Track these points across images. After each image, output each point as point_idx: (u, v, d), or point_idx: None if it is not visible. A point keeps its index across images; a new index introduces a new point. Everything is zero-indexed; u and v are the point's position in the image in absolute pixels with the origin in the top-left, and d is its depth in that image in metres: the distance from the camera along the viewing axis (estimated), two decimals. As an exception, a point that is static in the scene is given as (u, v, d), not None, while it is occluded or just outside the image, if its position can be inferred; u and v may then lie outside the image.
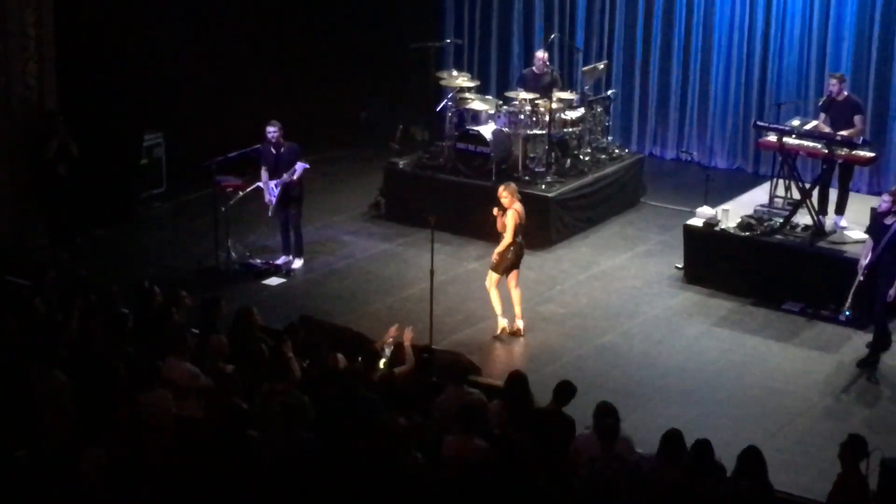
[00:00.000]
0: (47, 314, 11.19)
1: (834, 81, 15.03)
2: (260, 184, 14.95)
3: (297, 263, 15.19)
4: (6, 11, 14.82)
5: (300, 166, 14.75)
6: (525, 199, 15.06)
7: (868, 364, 12.87)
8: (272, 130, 14.68)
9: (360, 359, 10.93)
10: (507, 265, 13.38)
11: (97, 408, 9.73)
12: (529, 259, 14.90)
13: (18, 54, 14.97)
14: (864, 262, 12.87)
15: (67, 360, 10.09)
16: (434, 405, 10.02)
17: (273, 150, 14.76)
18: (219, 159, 14.78)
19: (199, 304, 11.56)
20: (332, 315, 13.52)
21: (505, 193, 13.29)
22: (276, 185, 14.79)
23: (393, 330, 11.55)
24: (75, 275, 12.27)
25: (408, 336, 11.10)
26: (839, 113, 14.93)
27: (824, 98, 15.43)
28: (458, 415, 9.26)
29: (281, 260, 15.11)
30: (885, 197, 13.03)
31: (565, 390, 9.88)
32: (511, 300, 13.51)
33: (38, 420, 9.56)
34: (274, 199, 14.86)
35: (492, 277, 13.42)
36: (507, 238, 13.22)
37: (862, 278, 12.89)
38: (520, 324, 13.49)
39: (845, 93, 15.04)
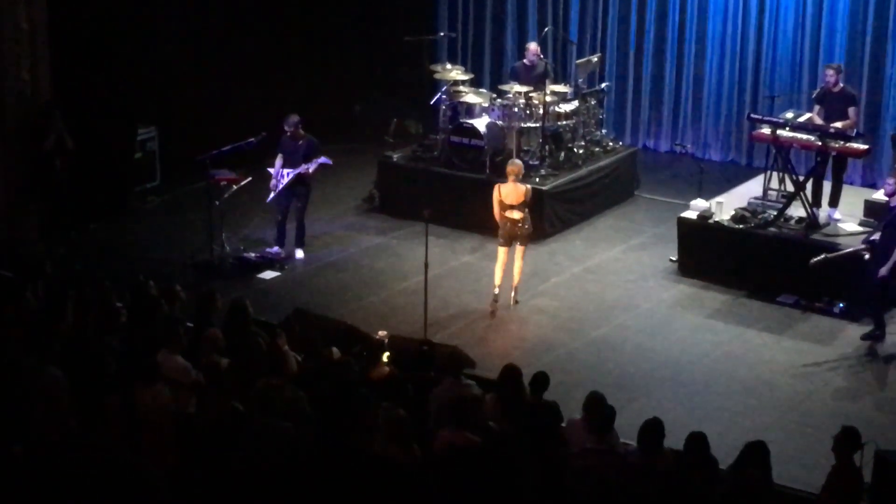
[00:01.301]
0: (42, 308, 11.17)
1: (831, 72, 15.02)
2: (270, 169, 14.97)
3: (300, 254, 15.23)
4: (-1, 7, 14.80)
5: (322, 160, 14.81)
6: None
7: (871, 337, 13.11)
8: (290, 124, 14.79)
9: (364, 353, 10.94)
10: (505, 237, 13.77)
11: (91, 402, 9.73)
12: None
13: (11, 49, 14.92)
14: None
15: (61, 355, 10.09)
16: (431, 397, 10.04)
17: (292, 141, 14.84)
18: (213, 153, 14.75)
19: (194, 298, 11.56)
20: (326, 308, 13.52)
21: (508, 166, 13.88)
22: (288, 174, 14.84)
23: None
24: (69, 269, 12.27)
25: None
26: (834, 104, 14.93)
27: (818, 90, 15.44)
28: (452, 409, 9.27)
29: (274, 250, 15.11)
30: (889, 180, 13.14)
31: (538, 380, 10.00)
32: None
33: (33, 415, 9.55)
34: (280, 186, 14.88)
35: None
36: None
37: (867, 255, 12.99)
38: (513, 295, 14.00)
39: (841, 84, 15.05)
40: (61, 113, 15.15)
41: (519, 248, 13.89)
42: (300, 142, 14.89)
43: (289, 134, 14.86)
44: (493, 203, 13.79)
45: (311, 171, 14.88)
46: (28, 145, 15.09)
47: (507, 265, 13.86)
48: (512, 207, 13.73)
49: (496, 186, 13.83)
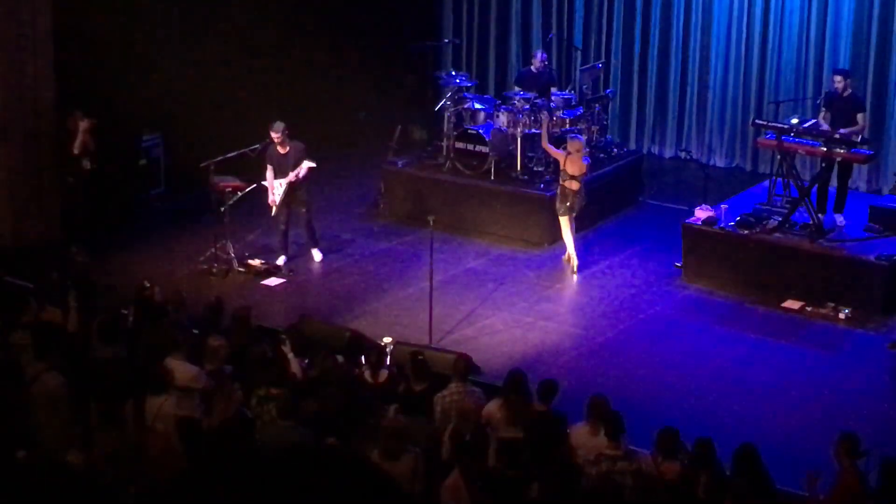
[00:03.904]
0: (47, 315, 11.16)
1: (839, 78, 15.02)
2: (264, 182, 14.95)
3: (318, 255, 15.31)
4: (2, 11, 14.78)
5: (306, 164, 14.76)
6: (524, 199, 15.15)
7: None
8: (276, 132, 14.69)
9: (364, 359, 10.93)
10: (565, 206, 14.91)
11: (95, 408, 9.73)
12: (529, 257, 14.93)
13: (15, 55, 14.93)
14: None
15: (65, 361, 10.09)
16: (436, 401, 10.03)
17: (279, 150, 14.78)
18: (217, 159, 14.76)
19: (201, 305, 11.57)
20: (331, 315, 13.52)
21: (570, 141, 15.04)
22: (280, 185, 14.81)
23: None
24: (74, 275, 12.27)
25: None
26: (842, 110, 14.91)
27: (824, 95, 15.44)
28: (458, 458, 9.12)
29: (281, 261, 15.10)
30: None
31: (548, 389, 9.95)
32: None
33: (35, 421, 9.57)
34: (278, 199, 14.86)
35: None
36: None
37: None
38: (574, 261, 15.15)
39: (849, 90, 15.04)
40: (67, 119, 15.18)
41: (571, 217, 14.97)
42: (287, 149, 14.82)
43: (278, 141, 14.72)
44: (561, 171, 14.96)
45: (300, 175, 14.83)
46: (58, 149, 15.10)
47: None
48: (573, 178, 14.74)
49: (565, 156, 14.88)
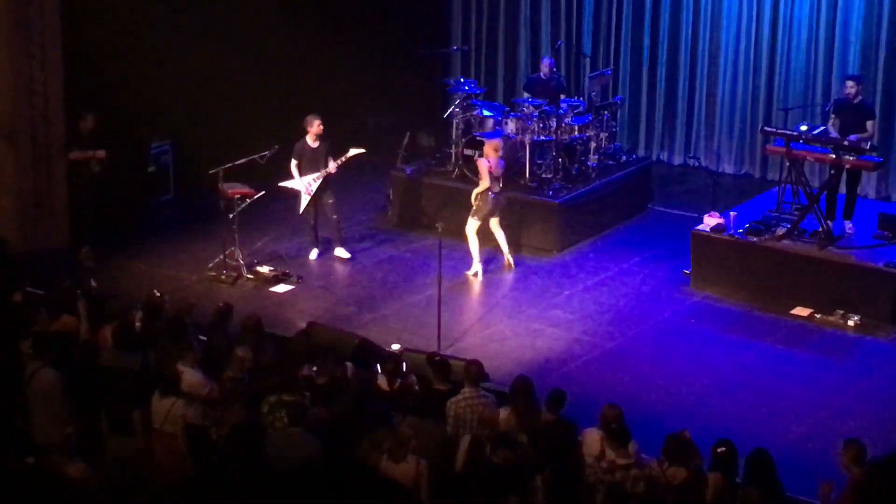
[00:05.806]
0: (57, 325, 11.17)
1: (851, 83, 14.98)
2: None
3: (342, 253, 15.51)
4: (12, 19, 14.81)
5: (353, 151, 15.01)
6: (532, 206, 15.15)
7: None
8: (319, 124, 14.97)
9: (380, 367, 10.94)
10: (486, 212, 14.77)
11: (106, 416, 9.76)
12: (536, 264, 14.89)
13: (25, 62, 14.96)
14: None
15: (75, 368, 10.11)
16: (449, 406, 10.04)
17: (310, 145, 15.03)
18: (226, 166, 14.80)
19: (211, 312, 11.58)
20: (339, 321, 13.52)
21: (487, 142, 15.06)
22: (315, 179, 14.95)
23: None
24: (84, 283, 12.30)
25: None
26: (852, 116, 14.87)
27: (834, 101, 15.42)
28: None
29: (314, 254, 15.38)
30: None
31: (557, 398, 9.96)
32: (498, 243, 15.09)
33: (32, 417, 9.61)
34: (311, 192, 15.00)
35: (471, 224, 14.81)
36: (483, 183, 14.77)
37: None
38: (510, 259, 15.14)
39: (860, 97, 15.02)
40: (75, 124, 15.20)
41: (496, 220, 14.94)
42: (318, 143, 14.95)
43: (319, 132, 14.97)
44: (484, 176, 14.75)
45: (344, 159, 15.04)
46: (67, 156, 15.15)
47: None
48: (497, 179, 14.82)
49: (483, 161, 14.81)
